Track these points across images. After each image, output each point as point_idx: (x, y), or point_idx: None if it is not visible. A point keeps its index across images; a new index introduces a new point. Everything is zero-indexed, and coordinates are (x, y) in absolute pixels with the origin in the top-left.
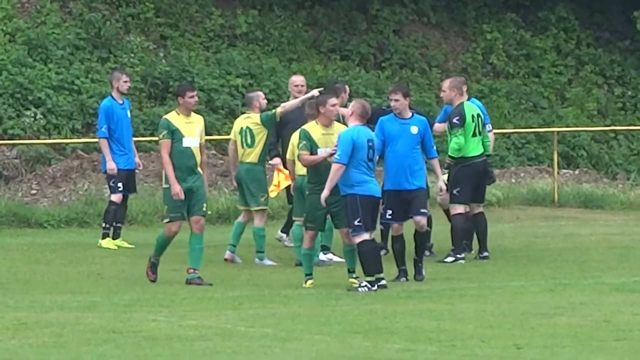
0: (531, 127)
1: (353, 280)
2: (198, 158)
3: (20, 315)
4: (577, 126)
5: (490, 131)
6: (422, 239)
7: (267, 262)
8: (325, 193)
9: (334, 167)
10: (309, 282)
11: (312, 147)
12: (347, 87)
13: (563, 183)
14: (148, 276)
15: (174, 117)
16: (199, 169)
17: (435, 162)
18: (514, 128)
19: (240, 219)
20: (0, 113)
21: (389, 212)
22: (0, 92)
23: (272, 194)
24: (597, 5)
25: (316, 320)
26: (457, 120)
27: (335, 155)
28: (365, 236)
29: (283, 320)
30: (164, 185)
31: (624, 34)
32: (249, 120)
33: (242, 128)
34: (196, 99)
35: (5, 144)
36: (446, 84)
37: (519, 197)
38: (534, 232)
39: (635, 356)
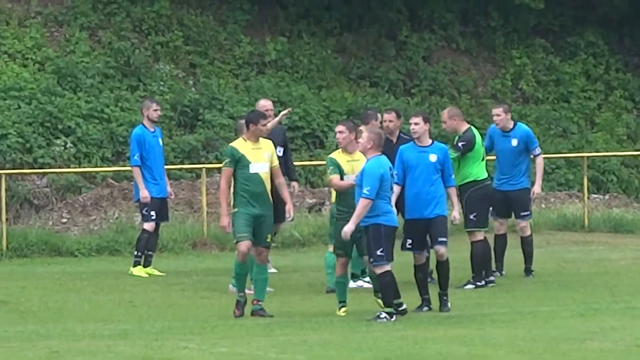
0: (561, 153)
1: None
2: (268, 184)
3: (52, 344)
4: (607, 151)
5: (538, 155)
6: (443, 269)
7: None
8: (351, 227)
9: (363, 202)
10: (343, 309)
11: (341, 174)
12: (379, 114)
13: (593, 208)
14: (234, 314)
15: (241, 144)
16: (269, 196)
17: (452, 191)
18: (544, 153)
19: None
20: (31, 142)
21: (409, 241)
22: (30, 121)
23: None
24: (626, 29)
25: (347, 347)
26: (462, 145)
27: (365, 191)
28: (387, 267)
29: (314, 347)
30: (233, 210)
31: None
32: None
33: None
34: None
35: (35, 173)
36: (445, 114)
37: (549, 222)
38: (564, 257)
39: None
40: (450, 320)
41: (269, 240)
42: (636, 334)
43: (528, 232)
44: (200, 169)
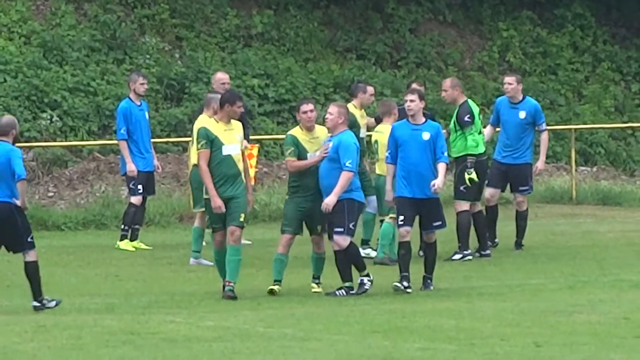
0: (548, 125)
1: (315, 285)
2: (240, 165)
3: (39, 318)
4: (595, 123)
5: (544, 130)
6: (431, 252)
7: (203, 261)
8: (333, 199)
9: (347, 175)
10: (276, 287)
11: (301, 153)
12: (369, 87)
13: (581, 180)
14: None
15: (213, 125)
16: (242, 177)
17: (442, 167)
18: None
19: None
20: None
21: (401, 217)
22: (16, 95)
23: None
24: (614, 1)
25: (335, 320)
26: (468, 118)
27: (347, 164)
28: (349, 240)
29: (302, 321)
30: (205, 196)
31: None
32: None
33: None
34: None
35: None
36: (447, 83)
37: (536, 195)
38: (552, 230)
39: None
40: (439, 294)
41: (242, 219)
42: (624, 307)
43: (524, 207)
44: (187, 142)
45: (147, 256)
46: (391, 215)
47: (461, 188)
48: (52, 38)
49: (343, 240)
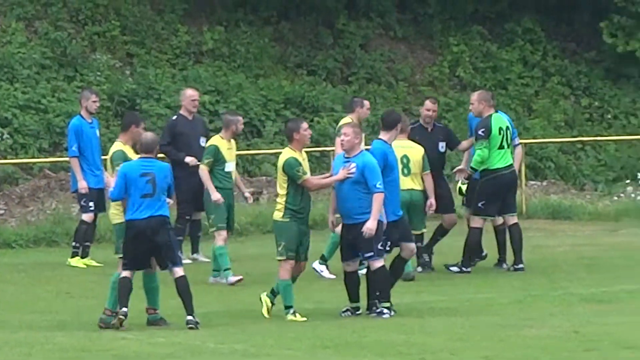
0: None
1: (292, 317)
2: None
3: None
4: (544, 138)
5: (517, 145)
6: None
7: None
8: (374, 223)
9: (380, 197)
10: (290, 315)
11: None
12: (365, 101)
13: (531, 195)
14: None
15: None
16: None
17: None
18: None
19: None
20: None
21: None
22: None
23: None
24: (564, 16)
25: (286, 336)
26: (482, 132)
27: (377, 185)
28: (382, 261)
29: (253, 336)
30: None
31: (590, 45)
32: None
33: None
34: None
35: None
36: (474, 96)
37: None
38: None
39: None
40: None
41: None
42: (574, 321)
43: (500, 222)
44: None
45: (98, 273)
46: None
47: (479, 204)
48: (3, 55)
49: (377, 263)
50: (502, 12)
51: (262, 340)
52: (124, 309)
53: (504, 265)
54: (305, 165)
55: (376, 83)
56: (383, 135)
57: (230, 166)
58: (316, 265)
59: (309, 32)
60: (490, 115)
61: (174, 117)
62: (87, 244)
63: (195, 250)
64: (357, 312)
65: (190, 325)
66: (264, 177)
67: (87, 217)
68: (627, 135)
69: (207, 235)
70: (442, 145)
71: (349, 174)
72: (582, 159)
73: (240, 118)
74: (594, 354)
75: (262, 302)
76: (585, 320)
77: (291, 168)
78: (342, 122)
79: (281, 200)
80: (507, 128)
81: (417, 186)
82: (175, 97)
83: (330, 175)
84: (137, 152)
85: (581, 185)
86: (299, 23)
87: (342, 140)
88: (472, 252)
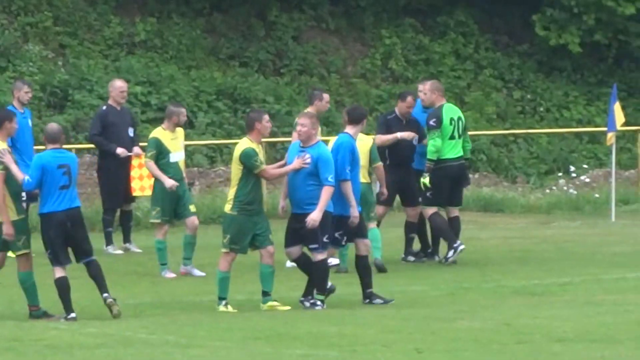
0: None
1: (272, 303)
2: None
3: None
4: (477, 130)
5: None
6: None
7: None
8: (319, 214)
9: (329, 190)
10: (222, 307)
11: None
12: (325, 94)
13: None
14: None
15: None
16: None
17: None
18: None
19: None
20: None
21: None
22: None
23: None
24: (496, 9)
25: (217, 327)
26: (433, 122)
27: (329, 178)
28: (325, 254)
29: (184, 327)
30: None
31: (523, 38)
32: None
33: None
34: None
35: None
36: (427, 86)
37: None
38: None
39: (536, 359)
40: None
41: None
42: (505, 313)
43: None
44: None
45: None
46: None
47: (428, 194)
48: None
49: (320, 255)
50: (435, 5)
51: (194, 331)
52: (72, 315)
53: (436, 258)
54: (262, 156)
55: (308, 75)
56: (349, 130)
57: (175, 156)
58: (289, 265)
59: (241, 24)
60: (442, 106)
61: (104, 108)
62: None
63: (127, 240)
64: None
65: (110, 300)
66: (195, 168)
67: None
68: (559, 128)
69: (139, 225)
70: (415, 139)
71: (304, 164)
72: (515, 151)
73: (183, 110)
74: (526, 346)
75: (270, 308)
76: (516, 313)
77: (249, 158)
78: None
79: (231, 193)
80: (459, 119)
81: (364, 179)
82: (107, 88)
83: (285, 164)
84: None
85: (513, 178)
86: (232, 15)
87: (299, 130)
88: (446, 236)
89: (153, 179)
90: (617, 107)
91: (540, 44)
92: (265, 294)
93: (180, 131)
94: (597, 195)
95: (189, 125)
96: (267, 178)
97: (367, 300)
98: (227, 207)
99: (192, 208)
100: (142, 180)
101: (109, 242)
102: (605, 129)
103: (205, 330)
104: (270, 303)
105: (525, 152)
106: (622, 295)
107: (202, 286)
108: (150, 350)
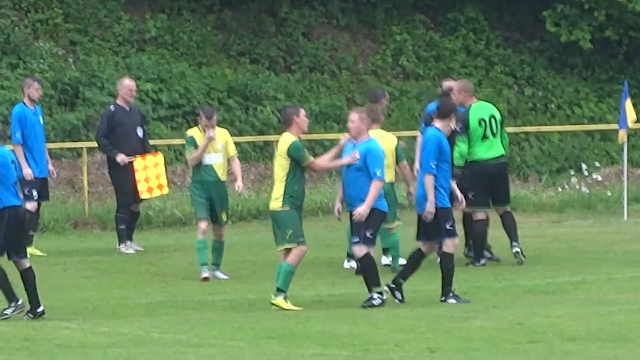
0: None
1: (281, 300)
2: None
3: None
4: None
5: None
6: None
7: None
8: (366, 209)
9: (378, 184)
10: (280, 299)
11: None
12: (386, 93)
13: None
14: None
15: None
16: None
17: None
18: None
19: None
20: None
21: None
22: None
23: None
24: (507, 5)
25: (229, 326)
26: (459, 128)
27: (378, 173)
28: (367, 250)
29: (196, 326)
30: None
31: (534, 34)
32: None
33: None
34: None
35: None
36: (455, 86)
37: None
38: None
39: (548, 358)
40: (333, 299)
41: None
42: (518, 312)
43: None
44: (81, 147)
45: (41, 262)
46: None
47: (470, 196)
48: None
49: (359, 250)
50: (445, 1)
51: (206, 331)
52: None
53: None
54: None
55: (319, 72)
56: (437, 124)
57: (210, 159)
58: (347, 265)
59: (251, 20)
60: (470, 107)
61: (111, 107)
62: (31, 233)
63: (129, 238)
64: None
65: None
66: None
67: (30, 206)
68: (571, 125)
69: (151, 224)
70: None
71: (354, 161)
72: (526, 149)
73: (208, 110)
74: (538, 345)
75: (279, 306)
76: (529, 312)
77: (298, 151)
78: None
79: (278, 190)
80: (492, 116)
81: (389, 179)
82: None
83: (337, 157)
84: None
85: (525, 176)
86: (242, 11)
87: (349, 126)
88: (479, 245)
89: (162, 179)
90: (628, 104)
91: (551, 41)
92: (280, 290)
93: (218, 133)
94: (609, 194)
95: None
96: (316, 170)
97: (443, 299)
98: (277, 205)
99: (224, 216)
100: (148, 182)
101: (121, 240)
102: (617, 126)
103: (217, 329)
104: (279, 300)
105: (536, 149)
106: (634, 293)
107: (214, 286)
108: (162, 349)
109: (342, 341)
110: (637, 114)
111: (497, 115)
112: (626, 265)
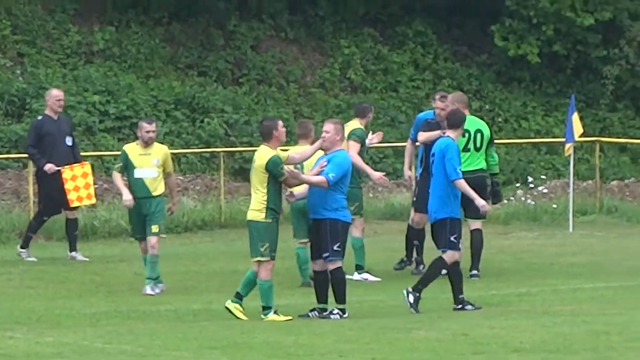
0: (389, 142)
1: (274, 316)
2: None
3: None
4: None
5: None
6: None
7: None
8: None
9: (323, 180)
10: (271, 315)
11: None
12: (372, 107)
13: None
14: None
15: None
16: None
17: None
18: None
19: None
20: None
21: (455, 236)
22: None
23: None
24: (455, 19)
25: (174, 337)
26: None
27: (330, 175)
28: (340, 263)
29: (141, 337)
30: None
31: (481, 48)
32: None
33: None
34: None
35: None
36: (450, 98)
37: (377, 212)
38: (392, 247)
39: None
40: (278, 310)
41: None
42: (463, 323)
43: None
44: (27, 158)
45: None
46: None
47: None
48: None
49: (332, 264)
50: (394, 15)
51: (150, 341)
52: None
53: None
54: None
55: (267, 84)
56: (450, 134)
57: (141, 172)
58: (357, 277)
59: (200, 33)
60: None
61: (39, 118)
62: None
63: (73, 248)
64: (324, 314)
65: None
66: None
67: None
68: (518, 139)
69: (96, 234)
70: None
71: (320, 169)
72: None
73: (144, 124)
74: (483, 356)
75: (230, 311)
76: (474, 323)
77: (276, 166)
78: (351, 126)
79: (259, 200)
80: (478, 131)
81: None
82: (66, 96)
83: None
84: None
85: None
86: (190, 24)
87: (323, 136)
88: (477, 254)
89: (91, 189)
90: (575, 117)
91: (499, 55)
92: (267, 307)
93: (156, 148)
94: (555, 206)
95: None
96: (290, 185)
97: (460, 306)
98: (259, 215)
99: (154, 228)
100: (77, 191)
101: (25, 244)
102: (563, 139)
103: (161, 339)
104: (271, 316)
105: None
106: (579, 305)
107: (159, 296)
108: (106, 359)
109: (287, 351)
110: (583, 128)
111: (486, 132)
112: (571, 277)
